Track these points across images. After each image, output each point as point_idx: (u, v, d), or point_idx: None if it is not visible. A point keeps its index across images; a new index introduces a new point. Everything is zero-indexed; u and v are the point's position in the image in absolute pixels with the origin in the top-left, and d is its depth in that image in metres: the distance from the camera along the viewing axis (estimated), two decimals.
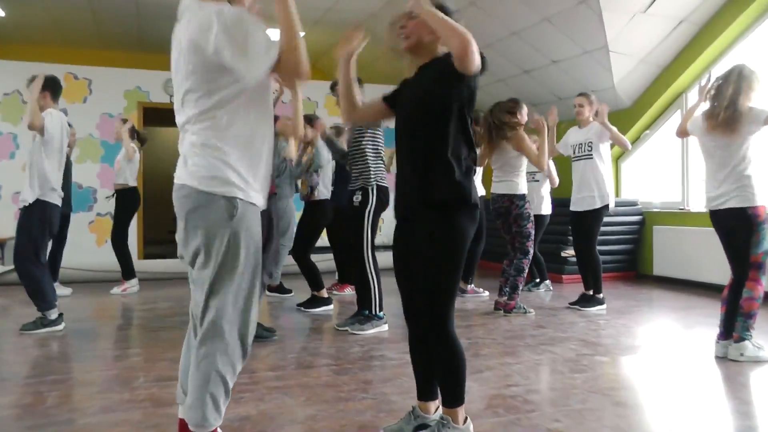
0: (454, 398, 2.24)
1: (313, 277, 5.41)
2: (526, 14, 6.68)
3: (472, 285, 6.10)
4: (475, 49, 2.04)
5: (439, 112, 2.16)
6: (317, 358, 3.69)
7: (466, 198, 2.18)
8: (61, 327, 4.40)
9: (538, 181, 6.29)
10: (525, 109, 5.20)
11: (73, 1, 7.62)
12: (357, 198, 4.39)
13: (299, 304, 5.37)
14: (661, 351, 3.93)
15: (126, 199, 6.27)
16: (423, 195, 2.18)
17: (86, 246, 8.03)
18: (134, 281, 6.33)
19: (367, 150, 4.38)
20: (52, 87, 4.54)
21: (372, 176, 4.35)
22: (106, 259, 7.32)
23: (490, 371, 3.35)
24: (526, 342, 4.09)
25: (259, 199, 2.05)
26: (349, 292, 6.14)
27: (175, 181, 2.01)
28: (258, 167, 2.02)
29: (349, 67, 2.42)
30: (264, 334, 4.11)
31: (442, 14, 2.11)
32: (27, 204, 4.32)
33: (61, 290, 5.98)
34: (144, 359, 3.66)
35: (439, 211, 2.17)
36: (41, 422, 2.58)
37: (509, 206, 5.04)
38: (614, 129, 5.21)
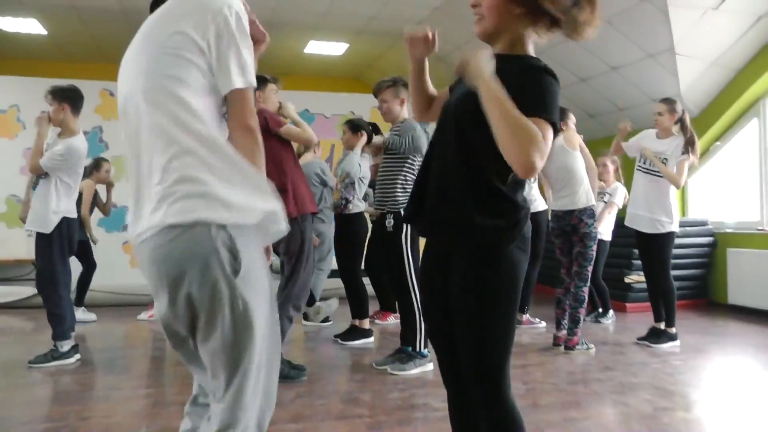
0: None
1: (359, 304, 4.94)
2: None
3: (528, 314, 5.53)
4: (540, 159, 1.44)
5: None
6: (349, 407, 3.20)
7: (519, 222, 1.64)
8: (72, 360, 4.05)
9: (606, 202, 5.67)
10: (572, 119, 4.76)
11: (110, 17, 7.46)
12: (390, 222, 3.91)
13: (337, 336, 4.91)
14: (755, 405, 3.30)
15: None
16: (461, 224, 1.62)
17: (119, 267, 7.77)
18: None
19: (404, 174, 3.91)
20: (71, 99, 4.06)
21: (401, 199, 3.86)
22: (139, 280, 7.04)
23: (552, 430, 2.80)
24: (592, 388, 3.52)
25: None
26: (392, 320, 5.64)
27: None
28: None
29: (421, 70, 1.88)
30: (291, 373, 3.66)
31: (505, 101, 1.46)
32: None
33: (86, 315, 5.70)
34: (153, 402, 3.25)
35: (484, 244, 1.63)
36: None
37: (577, 224, 4.43)
38: (666, 169, 4.56)
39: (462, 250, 1.66)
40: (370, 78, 10.40)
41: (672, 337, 4.67)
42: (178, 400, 3.24)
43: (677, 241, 5.89)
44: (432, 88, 1.92)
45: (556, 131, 1.54)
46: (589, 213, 4.44)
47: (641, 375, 3.81)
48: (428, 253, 1.80)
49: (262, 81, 3.92)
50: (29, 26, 7.76)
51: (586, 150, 4.69)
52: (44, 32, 8.04)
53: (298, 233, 3.63)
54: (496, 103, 1.47)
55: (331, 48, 8.69)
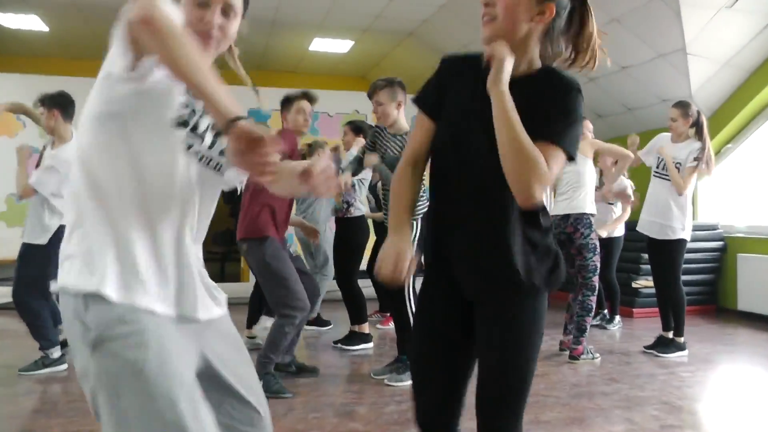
0: None
1: (356, 309, 4.82)
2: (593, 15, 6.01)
3: None
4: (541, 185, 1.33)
5: None
6: (344, 421, 3.08)
7: (559, 259, 1.50)
8: (64, 367, 3.96)
9: (612, 203, 5.51)
10: (589, 127, 4.72)
11: (112, 14, 7.33)
12: None
13: (336, 342, 4.80)
14: (766, 421, 3.18)
15: None
16: (502, 268, 1.45)
17: None
18: None
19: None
20: (61, 105, 3.94)
21: (419, 206, 3.70)
22: None
23: None
24: (597, 403, 3.39)
25: None
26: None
27: None
28: None
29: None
30: (279, 389, 3.49)
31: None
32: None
33: None
34: None
35: (524, 289, 1.47)
36: None
37: (572, 233, 4.33)
38: (674, 173, 4.39)
39: (500, 296, 1.48)
40: (376, 77, 10.26)
41: (680, 347, 4.53)
42: None
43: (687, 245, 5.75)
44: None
45: (571, 159, 1.41)
46: (586, 223, 4.31)
47: (648, 388, 3.68)
48: (436, 289, 1.58)
49: (287, 101, 3.83)
50: (30, 23, 7.69)
51: (608, 146, 4.70)
52: (46, 29, 7.97)
53: (258, 255, 3.52)
54: (506, 123, 1.34)
55: (336, 45, 8.57)
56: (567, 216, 4.36)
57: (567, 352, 4.38)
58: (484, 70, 1.43)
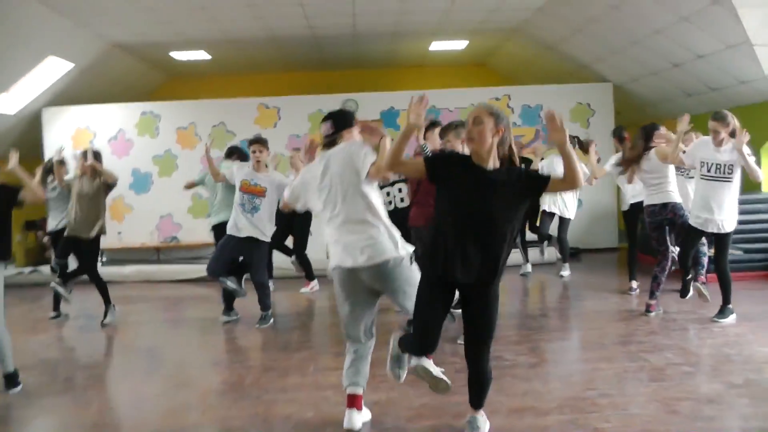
0: None
1: None
2: (664, 15, 6.84)
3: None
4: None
5: (517, 219, 2.81)
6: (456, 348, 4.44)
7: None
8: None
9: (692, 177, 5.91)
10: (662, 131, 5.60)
11: (260, 40, 9.27)
12: None
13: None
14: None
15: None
16: (493, 274, 2.82)
17: None
18: (315, 282, 7.34)
19: None
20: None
21: None
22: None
23: (579, 375, 3.94)
24: (629, 348, 4.51)
25: None
26: None
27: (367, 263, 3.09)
28: None
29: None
30: None
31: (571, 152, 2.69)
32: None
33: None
34: (315, 352, 4.81)
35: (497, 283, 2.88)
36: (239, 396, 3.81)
37: (672, 218, 5.41)
38: (750, 160, 4.98)
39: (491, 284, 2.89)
40: (494, 64, 11.63)
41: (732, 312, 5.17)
42: (331, 350, 4.73)
43: (761, 216, 6.84)
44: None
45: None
46: (679, 207, 5.45)
47: (676, 337, 4.71)
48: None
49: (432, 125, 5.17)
50: (197, 55, 9.90)
51: (663, 150, 5.48)
52: (209, 57, 10.05)
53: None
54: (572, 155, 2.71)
55: (453, 45, 10.20)
56: (665, 204, 5.40)
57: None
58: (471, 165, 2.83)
